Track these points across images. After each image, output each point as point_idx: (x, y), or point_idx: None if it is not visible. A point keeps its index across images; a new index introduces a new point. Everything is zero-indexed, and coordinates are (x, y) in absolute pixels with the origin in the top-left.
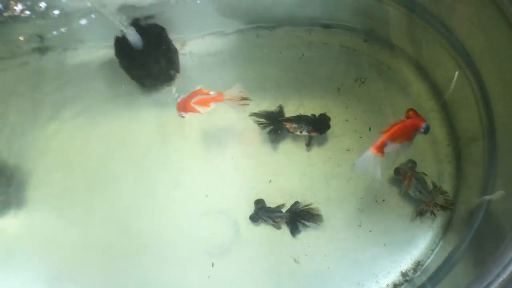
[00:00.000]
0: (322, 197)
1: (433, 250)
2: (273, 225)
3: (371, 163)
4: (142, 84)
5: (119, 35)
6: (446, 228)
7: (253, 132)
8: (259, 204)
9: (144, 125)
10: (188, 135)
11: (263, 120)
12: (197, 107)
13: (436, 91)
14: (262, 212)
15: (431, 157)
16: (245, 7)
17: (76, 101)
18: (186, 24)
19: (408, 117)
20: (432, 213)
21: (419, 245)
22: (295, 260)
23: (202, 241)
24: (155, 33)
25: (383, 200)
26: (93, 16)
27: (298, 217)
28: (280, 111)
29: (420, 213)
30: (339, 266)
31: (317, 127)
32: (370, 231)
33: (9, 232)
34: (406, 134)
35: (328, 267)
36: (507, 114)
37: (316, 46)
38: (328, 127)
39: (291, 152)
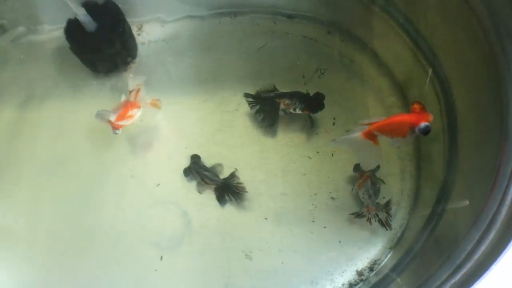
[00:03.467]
0: (278, 192)
1: (391, 249)
2: (197, 184)
3: (361, 147)
4: (94, 69)
5: (72, 16)
6: (405, 228)
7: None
8: (195, 158)
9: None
10: (142, 124)
11: (251, 99)
12: (120, 122)
13: (398, 86)
14: (194, 166)
15: (394, 155)
16: None
17: (26, 84)
18: (144, 7)
19: (412, 111)
20: (369, 220)
21: (376, 243)
22: (246, 255)
23: (151, 232)
24: (111, 14)
25: (338, 198)
26: None
27: (227, 189)
28: (274, 90)
29: (358, 215)
30: (293, 262)
31: (310, 105)
32: (324, 227)
33: None
34: (398, 130)
35: (282, 263)
36: (469, 112)
37: (279, 36)
38: (322, 106)
39: (247, 146)
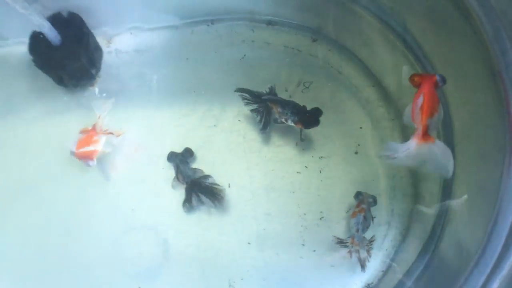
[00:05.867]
0: (262, 212)
1: (383, 272)
2: (173, 179)
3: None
4: (62, 84)
5: (36, 29)
6: (397, 249)
7: None
8: (186, 152)
9: (67, 129)
10: (115, 143)
11: (247, 96)
12: (87, 149)
13: (389, 97)
14: (177, 157)
15: (383, 172)
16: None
17: None
18: (111, 17)
19: (417, 84)
20: (350, 253)
21: (369, 266)
22: (230, 285)
23: (127, 261)
24: (75, 27)
25: (328, 218)
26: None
27: (196, 189)
28: (270, 93)
29: (341, 242)
30: None
31: (303, 119)
32: (314, 251)
33: None
34: (436, 101)
35: None
36: (466, 124)
37: (259, 46)
38: (317, 123)
39: (230, 163)
